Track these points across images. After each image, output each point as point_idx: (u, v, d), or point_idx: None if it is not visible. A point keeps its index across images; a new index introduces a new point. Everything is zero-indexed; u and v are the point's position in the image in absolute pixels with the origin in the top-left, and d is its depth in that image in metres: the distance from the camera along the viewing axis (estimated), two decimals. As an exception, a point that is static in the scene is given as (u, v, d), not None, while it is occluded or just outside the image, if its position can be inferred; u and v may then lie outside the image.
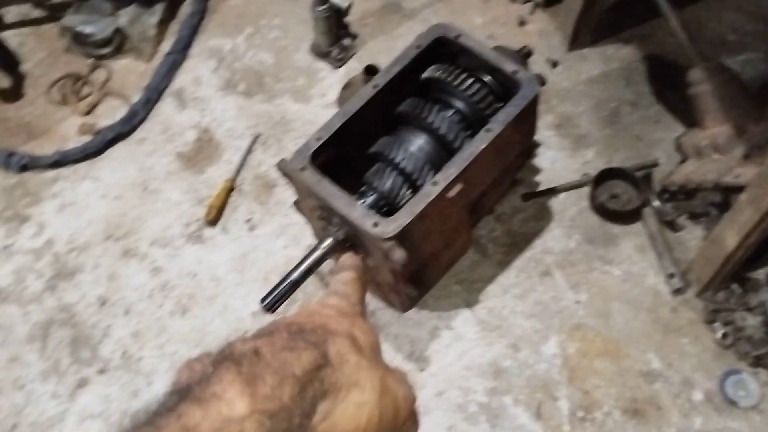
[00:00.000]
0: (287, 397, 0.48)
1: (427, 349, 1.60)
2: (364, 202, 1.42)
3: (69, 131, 1.97)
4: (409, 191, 1.44)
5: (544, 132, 1.87)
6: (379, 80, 1.47)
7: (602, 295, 1.64)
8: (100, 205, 1.83)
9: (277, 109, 1.98)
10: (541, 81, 1.52)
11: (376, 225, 1.30)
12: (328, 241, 1.39)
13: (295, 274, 1.35)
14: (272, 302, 1.35)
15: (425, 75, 1.50)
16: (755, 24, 2.04)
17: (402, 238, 1.30)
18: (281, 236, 1.77)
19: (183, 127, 1.96)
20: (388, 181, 1.44)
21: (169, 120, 1.97)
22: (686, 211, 1.71)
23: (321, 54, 2.06)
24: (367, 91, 1.46)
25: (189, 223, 1.79)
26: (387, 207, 1.44)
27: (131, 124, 1.94)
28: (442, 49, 1.52)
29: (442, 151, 1.44)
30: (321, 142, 1.41)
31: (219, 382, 0.48)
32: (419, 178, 1.42)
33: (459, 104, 1.47)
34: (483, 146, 1.35)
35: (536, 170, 1.82)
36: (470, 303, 1.65)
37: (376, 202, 1.44)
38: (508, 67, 1.44)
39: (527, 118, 1.45)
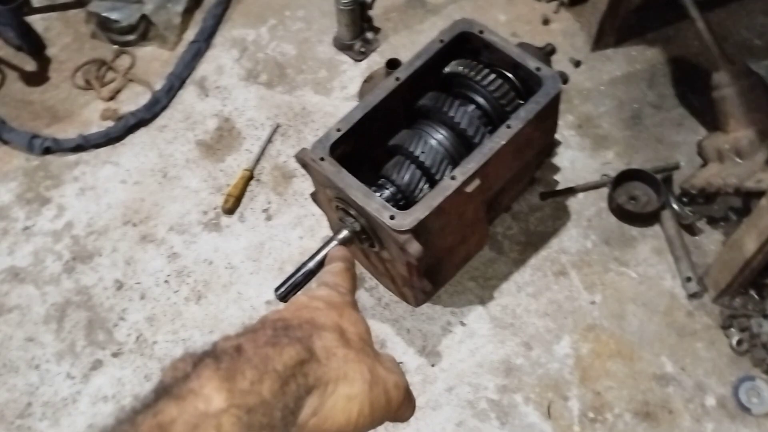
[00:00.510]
0: (267, 391, 0.48)
1: (440, 344, 1.60)
2: (381, 195, 1.43)
3: (92, 116, 1.99)
4: (427, 185, 1.44)
5: (564, 131, 1.86)
6: (401, 73, 1.47)
7: (617, 296, 1.63)
8: (119, 190, 1.85)
9: (298, 100, 1.99)
10: (564, 78, 1.51)
11: (392, 218, 1.30)
12: (344, 233, 1.39)
13: (310, 264, 1.36)
14: (286, 291, 1.36)
15: (447, 69, 1.50)
16: (783, 29, 2.01)
17: (418, 231, 1.31)
18: (297, 227, 1.77)
19: (204, 115, 1.97)
20: (406, 175, 1.44)
21: (191, 108, 1.99)
22: (705, 215, 1.70)
23: (343, 47, 2.06)
24: (388, 84, 1.46)
25: (207, 211, 1.81)
26: (404, 200, 1.45)
27: (153, 110, 1.96)
28: (465, 44, 1.52)
29: (462, 146, 1.44)
30: (341, 133, 1.42)
31: (197, 378, 0.48)
32: (438, 172, 1.42)
33: (480, 100, 1.47)
34: (503, 142, 1.35)
35: (555, 169, 1.81)
36: (484, 300, 1.64)
37: (393, 195, 1.44)
38: (531, 63, 1.43)
39: (549, 115, 1.45)
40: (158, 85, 2.01)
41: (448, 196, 1.31)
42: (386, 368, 0.59)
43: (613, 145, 1.85)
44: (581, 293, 1.64)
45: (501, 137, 1.35)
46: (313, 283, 0.65)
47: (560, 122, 1.83)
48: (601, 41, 2.02)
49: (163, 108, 1.97)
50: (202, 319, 1.65)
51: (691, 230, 1.69)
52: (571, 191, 1.78)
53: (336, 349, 0.55)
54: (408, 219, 1.29)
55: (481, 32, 1.49)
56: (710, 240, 1.68)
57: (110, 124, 1.95)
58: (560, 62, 1.96)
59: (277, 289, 1.36)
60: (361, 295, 1.66)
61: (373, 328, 1.63)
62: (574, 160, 1.83)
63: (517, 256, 1.70)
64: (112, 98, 2.01)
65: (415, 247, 1.30)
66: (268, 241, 1.76)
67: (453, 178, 1.32)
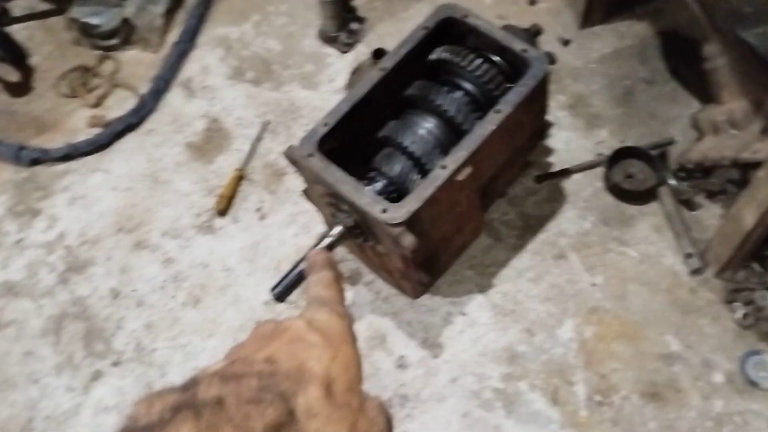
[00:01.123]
0: None
1: (441, 336, 1.58)
2: (372, 188, 1.41)
3: (78, 124, 1.96)
4: (419, 175, 1.42)
5: (556, 112, 1.83)
6: (386, 63, 1.44)
7: (619, 276, 1.61)
8: (110, 197, 1.83)
9: (286, 96, 1.96)
10: (552, 59, 1.49)
11: (384, 211, 1.28)
12: (338, 229, 1.37)
13: (304, 264, 1.34)
14: (282, 291, 1.34)
15: (433, 56, 1.47)
16: (773, -5, 1.98)
17: (411, 223, 1.29)
18: (291, 225, 1.75)
19: (192, 117, 1.95)
20: (396, 166, 1.42)
21: (178, 110, 1.96)
22: (703, 189, 1.67)
23: (328, 39, 2.04)
24: (374, 75, 1.44)
25: (199, 214, 1.79)
26: (397, 192, 1.42)
27: (140, 115, 1.93)
28: (450, 30, 1.50)
29: (452, 134, 1.42)
30: (328, 128, 1.40)
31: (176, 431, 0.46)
32: (428, 162, 1.40)
33: (468, 85, 1.45)
34: (492, 128, 1.32)
35: (549, 151, 1.79)
36: (483, 288, 1.63)
37: (385, 188, 1.42)
38: (517, 45, 1.41)
39: (538, 97, 1.42)
40: (144, 88, 1.99)
41: (440, 185, 1.29)
42: (369, 419, 0.56)
43: (606, 123, 1.82)
44: (582, 275, 1.62)
45: (490, 123, 1.33)
46: (304, 297, 0.63)
47: (552, 103, 1.81)
48: (589, 18, 1.99)
49: (150, 112, 1.95)
50: (201, 324, 1.64)
51: (690, 205, 1.67)
52: (566, 173, 1.75)
53: (319, 408, 0.52)
54: (400, 211, 1.27)
55: (465, 17, 1.46)
56: (709, 214, 1.66)
57: (97, 131, 1.92)
58: (549, 42, 1.93)
59: (273, 289, 1.35)
60: (360, 290, 1.64)
61: (373, 322, 1.62)
62: (568, 141, 1.80)
63: (515, 242, 1.68)
64: (98, 105, 1.99)
65: (409, 240, 1.28)
66: (263, 241, 1.74)
67: (444, 167, 1.30)
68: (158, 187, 1.84)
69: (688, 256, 1.59)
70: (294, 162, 1.41)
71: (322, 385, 0.54)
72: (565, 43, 1.97)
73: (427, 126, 1.42)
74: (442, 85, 1.46)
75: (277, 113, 1.93)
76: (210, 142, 1.90)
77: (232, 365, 0.54)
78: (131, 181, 1.85)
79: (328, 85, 1.97)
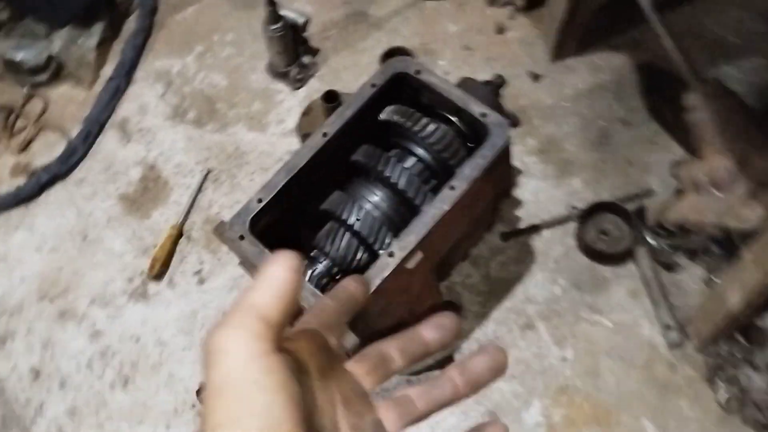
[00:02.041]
0: None
1: (396, 420, 1.43)
2: (314, 271, 1.25)
3: (0, 173, 1.78)
4: (365, 254, 1.26)
5: (525, 158, 1.68)
6: (329, 128, 1.27)
7: (591, 350, 1.46)
8: (34, 259, 1.66)
9: (231, 138, 1.79)
10: (515, 121, 1.33)
11: (322, 307, 1.12)
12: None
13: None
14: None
15: (382, 117, 1.31)
16: (761, 24, 1.83)
17: (354, 321, 1.12)
18: (233, 290, 1.59)
19: (127, 164, 1.77)
20: (340, 244, 1.25)
21: (112, 156, 1.79)
22: (684, 248, 1.53)
23: (278, 74, 1.86)
24: (315, 142, 1.27)
25: (132, 278, 1.62)
26: (341, 273, 1.26)
27: (69, 163, 1.76)
28: (403, 85, 1.33)
29: (403, 206, 1.25)
30: (262, 204, 1.23)
31: None
32: (375, 241, 1.24)
33: (420, 151, 1.28)
34: (446, 208, 1.16)
35: (517, 203, 1.63)
36: (442, 363, 1.47)
37: (328, 270, 1.25)
38: (475, 108, 1.24)
39: (498, 166, 1.26)
40: (75, 131, 1.81)
41: (387, 276, 1.13)
42: None
43: (579, 170, 1.67)
44: (551, 349, 1.47)
45: (444, 201, 1.17)
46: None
47: (521, 148, 1.66)
48: (562, 50, 1.83)
49: (81, 158, 1.77)
50: (130, 408, 1.48)
51: (669, 266, 1.52)
52: (535, 229, 1.60)
53: None
54: (339, 309, 1.11)
55: (417, 73, 1.29)
56: (691, 277, 1.51)
57: (21, 181, 1.75)
58: (518, 77, 1.77)
59: (198, 392, 1.19)
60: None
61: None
62: (538, 191, 1.65)
63: (479, 309, 1.53)
64: (23, 150, 1.81)
65: (350, 341, 1.12)
66: (202, 309, 1.57)
67: (391, 255, 1.14)
68: (87, 247, 1.66)
69: (667, 327, 1.45)
70: (224, 242, 1.24)
71: None
72: (536, 77, 1.81)
73: (373, 200, 1.26)
74: (394, 148, 1.30)
75: (220, 159, 1.76)
76: (146, 193, 1.73)
77: None
78: (58, 240, 1.68)
79: (278, 126, 1.80)
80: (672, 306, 1.46)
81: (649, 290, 1.50)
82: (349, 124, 1.29)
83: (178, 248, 1.64)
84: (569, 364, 1.45)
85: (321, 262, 1.26)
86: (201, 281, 1.60)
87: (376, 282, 1.13)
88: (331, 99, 1.64)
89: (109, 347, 1.54)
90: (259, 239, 1.20)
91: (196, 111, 1.84)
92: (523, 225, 1.61)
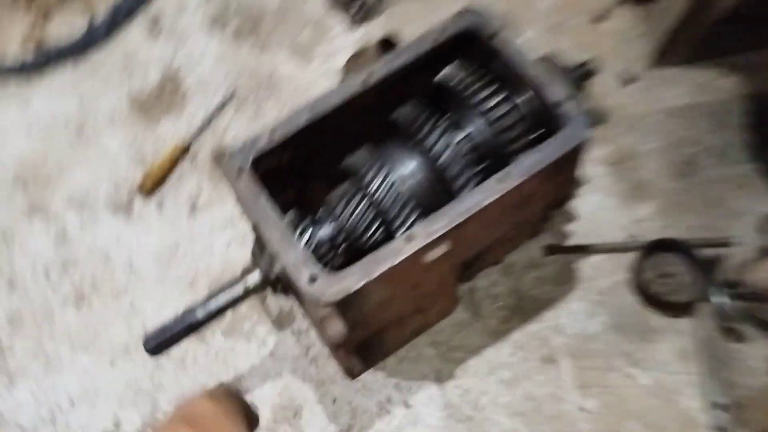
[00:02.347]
0: None
1: (371, 427, 1.21)
2: (314, 231, 1.03)
3: (12, 36, 1.58)
4: (381, 230, 1.03)
5: (592, 167, 1.43)
6: (372, 75, 1.04)
7: (617, 407, 1.23)
8: (20, 140, 1.47)
9: (268, 63, 1.57)
10: (597, 119, 1.08)
11: (313, 280, 0.90)
12: (254, 278, 1.00)
13: (199, 313, 0.98)
14: (158, 346, 0.99)
15: (439, 77, 1.07)
16: None
17: (346, 305, 0.91)
18: (227, 229, 1.38)
19: (148, 62, 1.57)
20: (354, 211, 1.03)
21: (134, 51, 1.58)
22: (757, 318, 1.28)
23: (339, 4, 1.63)
24: (351, 86, 1.04)
25: (120, 185, 1.42)
26: (347, 244, 1.04)
27: (86, 45, 1.55)
28: (472, 45, 1.09)
29: (438, 186, 1.02)
30: (274, 142, 1.01)
31: None
32: (396, 218, 1.01)
33: (474, 127, 1.04)
34: (488, 201, 0.93)
35: (571, 216, 1.39)
36: (442, 376, 1.25)
37: (332, 236, 1.03)
38: (552, 93, 1.00)
39: (564, 167, 1.02)
40: (101, 15, 1.60)
41: (398, 263, 0.91)
42: None
43: (652, 197, 1.41)
44: (570, 393, 1.24)
45: (489, 192, 0.93)
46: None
47: (592, 154, 1.41)
48: (665, 56, 1.57)
49: (98, 44, 1.56)
50: (77, 331, 1.28)
51: (735, 335, 1.27)
52: (584, 250, 1.36)
53: None
54: (333, 288, 0.89)
55: (492, 36, 1.05)
56: (757, 352, 1.26)
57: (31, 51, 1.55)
58: (606, 74, 1.51)
59: (146, 342, 0.99)
60: (286, 339, 1.27)
61: (290, 386, 1.24)
62: (598, 209, 1.40)
63: (498, 325, 1.30)
64: (43, 17, 1.61)
65: (335, 329, 0.90)
66: (186, 242, 1.37)
67: (410, 239, 0.91)
68: (81, 142, 1.47)
69: (715, 405, 1.21)
70: (221, 172, 1.03)
71: None
72: (627, 80, 1.55)
73: (405, 170, 1.03)
74: (442, 117, 1.06)
75: (250, 83, 1.54)
76: (160, 98, 1.52)
77: None
78: (51, 125, 1.48)
79: (323, 63, 1.57)
80: (728, 381, 1.22)
81: (704, 356, 1.25)
82: (395, 76, 1.06)
83: (179, 169, 1.43)
84: (588, 416, 1.22)
85: (325, 224, 1.04)
86: (193, 210, 1.40)
87: (381, 269, 0.91)
88: (388, 47, 1.41)
89: (72, 257, 1.35)
90: (261, 180, 0.99)
91: (238, 23, 1.62)
92: (571, 242, 1.37)
